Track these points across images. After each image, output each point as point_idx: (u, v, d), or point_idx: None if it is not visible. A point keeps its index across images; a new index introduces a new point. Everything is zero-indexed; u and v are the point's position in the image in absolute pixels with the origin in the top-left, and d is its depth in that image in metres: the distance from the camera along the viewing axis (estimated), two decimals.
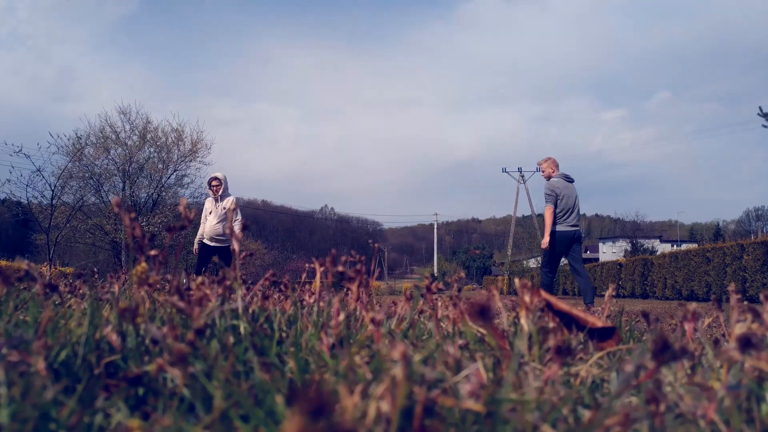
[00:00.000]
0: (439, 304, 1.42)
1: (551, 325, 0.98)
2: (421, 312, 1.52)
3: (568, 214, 6.59)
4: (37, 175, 14.58)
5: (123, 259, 17.65)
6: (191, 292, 0.92)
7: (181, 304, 0.81)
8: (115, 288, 1.58)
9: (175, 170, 19.29)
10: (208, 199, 7.52)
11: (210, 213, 7.38)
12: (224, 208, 7.29)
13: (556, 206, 6.56)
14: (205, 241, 7.33)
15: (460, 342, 0.92)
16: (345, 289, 1.15)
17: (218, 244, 7.28)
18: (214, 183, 7.30)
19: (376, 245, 1.64)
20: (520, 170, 43.20)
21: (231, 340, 0.86)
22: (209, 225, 7.23)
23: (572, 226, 6.64)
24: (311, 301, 1.43)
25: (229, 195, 7.43)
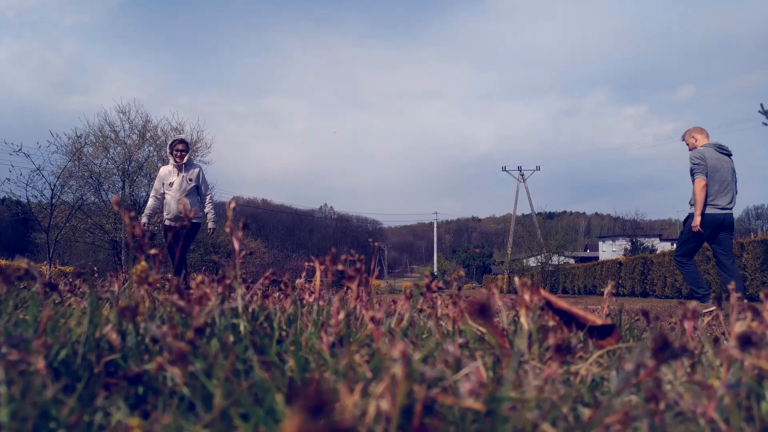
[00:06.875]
0: (439, 302, 1.42)
1: (551, 323, 0.97)
2: (421, 311, 1.53)
3: (719, 193, 4.99)
4: (37, 174, 14.56)
5: (123, 258, 17.64)
6: (191, 291, 0.92)
7: (181, 303, 0.81)
8: (115, 287, 1.58)
9: None
10: (166, 167, 6.06)
11: (171, 185, 5.95)
12: (190, 180, 5.97)
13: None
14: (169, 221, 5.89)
15: (460, 340, 0.92)
16: (345, 288, 1.15)
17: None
18: (179, 147, 5.92)
19: (375, 244, 1.63)
20: (519, 169, 43.26)
21: (231, 338, 0.86)
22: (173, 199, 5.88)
23: (722, 209, 4.98)
24: (311, 299, 1.43)
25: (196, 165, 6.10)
